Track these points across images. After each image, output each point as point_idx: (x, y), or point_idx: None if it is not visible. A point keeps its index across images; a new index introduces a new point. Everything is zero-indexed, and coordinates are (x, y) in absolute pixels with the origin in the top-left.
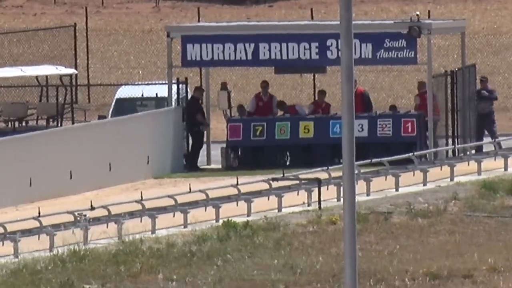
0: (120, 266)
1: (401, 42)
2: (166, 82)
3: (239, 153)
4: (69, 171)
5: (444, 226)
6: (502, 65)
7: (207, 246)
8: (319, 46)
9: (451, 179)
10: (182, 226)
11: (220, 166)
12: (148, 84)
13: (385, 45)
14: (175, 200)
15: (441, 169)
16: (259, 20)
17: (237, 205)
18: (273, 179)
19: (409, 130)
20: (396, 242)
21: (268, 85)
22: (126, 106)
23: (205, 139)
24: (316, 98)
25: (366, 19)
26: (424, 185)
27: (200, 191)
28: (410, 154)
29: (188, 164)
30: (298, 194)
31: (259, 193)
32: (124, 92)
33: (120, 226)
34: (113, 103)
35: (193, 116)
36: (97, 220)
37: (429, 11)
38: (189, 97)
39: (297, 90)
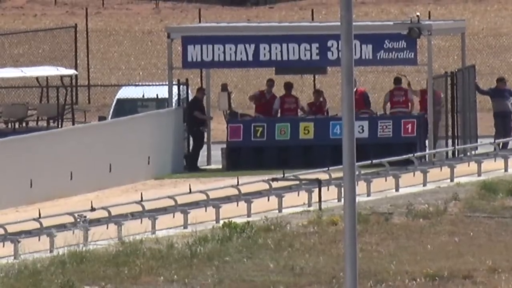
0: (120, 267)
1: (401, 43)
2: (167, 83)
3: (240, 154)
4: (70, 172)
5: (444, 227)
6: (502, 66)
7: (207, 247)
8: (319, 47)
9: (451, 180)
10: (182, 227)
11: (220, 167)
12: (148, 85)
13: (385, 46)
14: (175, 201)
15: (441, 170)
16: (259, 21)
17: (237, 205)
18: (273, 180)
19: (409, 131)
20: (396, 243)
21: (274, 84)
22: (126, 107)
23: (205, 140)
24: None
25: (366, 20)
26: (424, 185)
27: (201, 191)
28: (410, 155)
29: (188, 164)
30: (298, 194)
31: (259, 194)
32: (125, 93)
33: (120, 227)
34: (113, 104)
35: (192, 115)
36: (97, 221)
37: (429, 12)
38: (190, 98)
39: (297, 91)
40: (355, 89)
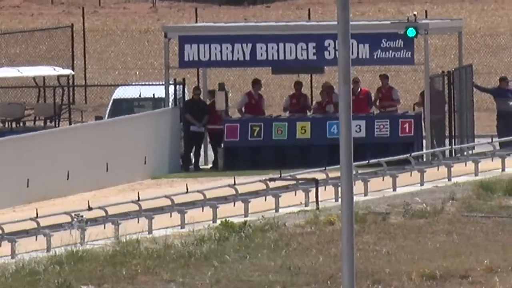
0: (117, 267)
1: (398, 42)
2: (163, 83)
3: (236, 153)
4: (67, 171)
5: (442, 226)
6: (499, 65)
7: (205, 247)
8: (316, 47)
9: (449, 180)
10: (179, 227)
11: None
12: (145, 84)
13: (382, 45)
14: (172, 201)
15: (438, 169)
16: (256, 20)
17: (234, 205)
18: (271, 179)
19: (407, 130)
20: (393, 243)
21: (260, 83)
22: (123, 107)
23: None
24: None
25: (363, 20)
26: (421, 185)
27: (197, 191)
28: (407, 155)
29: (185, 164)
30: (295, 194)
31: (256, 194)
32: (121, 92)
33: (117, 227)
34: (110, 104)
35: (185, 116)
36: (94, 221)
37: (426, 11)
38: (187, 98)
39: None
40: (359, 89)
